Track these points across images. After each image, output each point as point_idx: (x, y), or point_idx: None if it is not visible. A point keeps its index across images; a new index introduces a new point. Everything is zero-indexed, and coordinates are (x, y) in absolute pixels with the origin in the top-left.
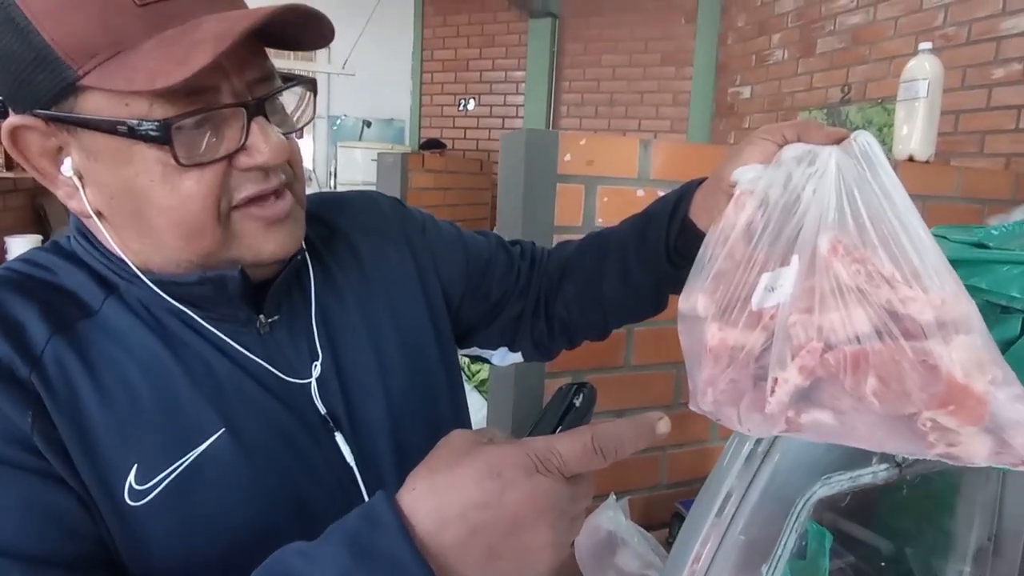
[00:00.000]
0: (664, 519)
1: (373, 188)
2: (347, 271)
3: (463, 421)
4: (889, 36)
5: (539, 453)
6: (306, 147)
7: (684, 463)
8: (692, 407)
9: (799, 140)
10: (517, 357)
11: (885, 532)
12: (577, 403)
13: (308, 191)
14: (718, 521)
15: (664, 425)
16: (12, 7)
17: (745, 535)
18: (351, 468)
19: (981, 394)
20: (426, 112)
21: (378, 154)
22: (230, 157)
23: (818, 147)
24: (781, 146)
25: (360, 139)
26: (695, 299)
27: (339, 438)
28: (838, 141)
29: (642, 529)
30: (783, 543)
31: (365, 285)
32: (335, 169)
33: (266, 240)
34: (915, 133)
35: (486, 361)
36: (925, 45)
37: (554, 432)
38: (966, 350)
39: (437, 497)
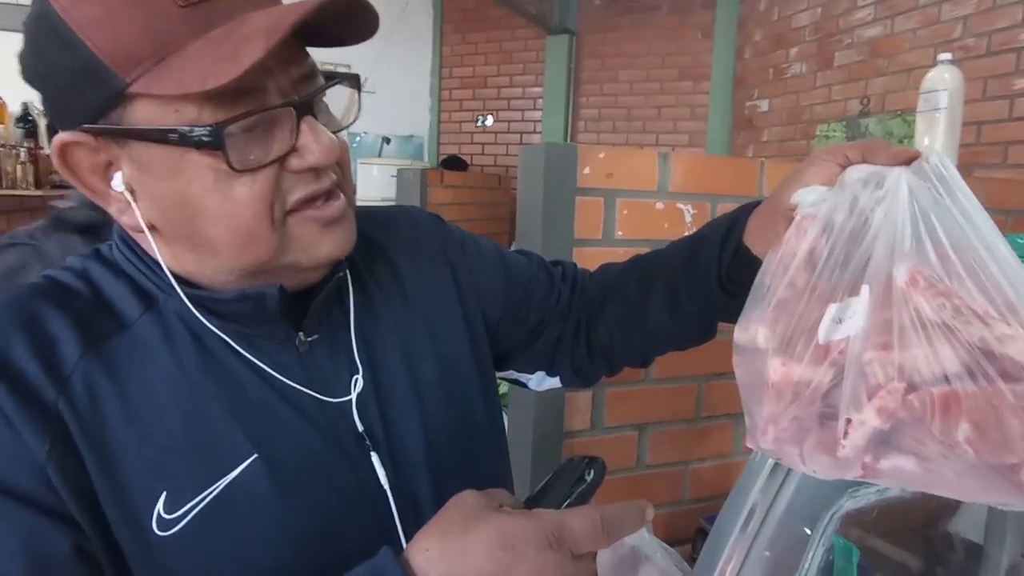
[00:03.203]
0: (688, 534)
1: (393, 204)
2: (385, 289)
3: (499, 443)
4: (907, 48)
5: (552, 529)
6: None
7: (707, 477)
8: (750, 444)
9: (864, 161)
10: (555, 382)
11: (914, 548)
12: (589, 478)
13: None
14: (742, 537)
15: (650, 513)
16: (56, 19)
17: (770, 551)
18: (385, 491)
19: None
20: (445, 128)
21: (398, 170)
22: (281, 159)
23: (885, 168)
24: (844, 167)
25: (380, 156)
26: (754, 331)
27: (375, 458)
28: (907, 162)
29: (665, 544)
30: (809, 559)
31: (403, 304)
32: (355, 185)
33: (323, 242)
34: (936, 144)
35: (523, 385)
36: (944, 56)
37: (563, 502)
38: None
39: (449, 562)
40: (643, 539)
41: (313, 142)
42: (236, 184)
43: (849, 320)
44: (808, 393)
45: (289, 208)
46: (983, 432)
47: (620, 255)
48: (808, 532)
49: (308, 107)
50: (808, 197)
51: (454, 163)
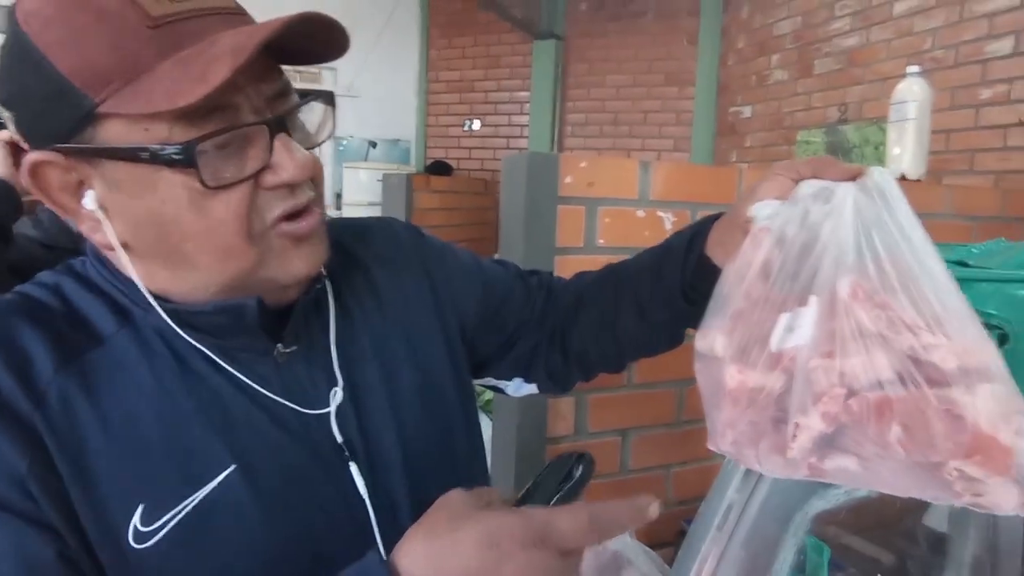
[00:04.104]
0: (669, 537)
1: (379, 209)
2: (362, 301)
3: (479, 454)
4: (882, 58)
5: (538, 527)
6: None
7: (689, 481)
8: (711, 447)
9: (815, 176)
10: (532, 388)
11: (886, 544)
12: (577, 474)
13: None
14: (719, 536)
15: (654, 509)
16: (26, 42)
17: (745, 550)
18: (364, 501)
19: (1007, 445)
20: (431, 132)
21: (384, 175)
22: (256, 176)
23: (834, 183)
24: (797, 182)
25: (366, 160)
26: (712, 338)
27: (353, 469)
28: (854, 177)
29: (647, 548)
30: (782, 558)
31: (380, 316)
32: (341, 190)
33: (296, 257)
34: (906, 153)
35: (500, 391)
36: (913, 68)
37: (551, 499)
38: (991, 399)
39: (434, 563)
40: (625, 543)
41: (287, 159)
42: (212, 201)
43: (799, 329)
44: (762, 398)
45: (269, 224)
46: (912, 434)
47: (602, 263)
48: (783, 531)
49: (281, 124)
50: (763, 210)
51: (439, 168)
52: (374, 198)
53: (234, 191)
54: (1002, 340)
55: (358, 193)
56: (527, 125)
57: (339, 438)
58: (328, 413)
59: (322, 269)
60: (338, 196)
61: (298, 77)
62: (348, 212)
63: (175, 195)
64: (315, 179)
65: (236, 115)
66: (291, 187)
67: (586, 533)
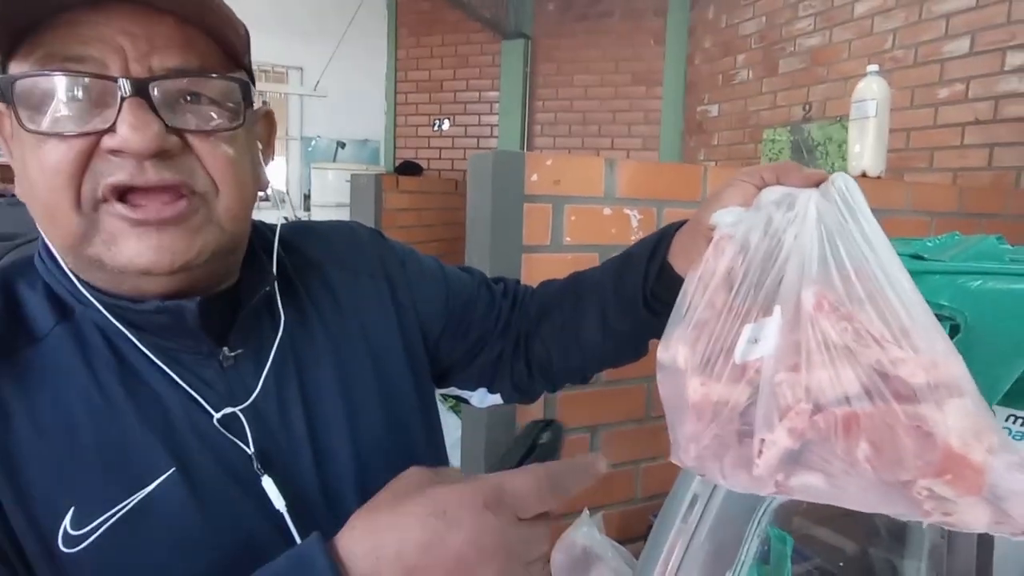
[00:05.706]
0: (640, 532)
1: (347, 210)
2: (320, 304)
3: (439, 458)
4: (844, 58)
5: (488, 491)
6: (279, 168)
7: (659, 476)
8: (673, 460)
9: (778, 182)
10: (496, 399)
11: (849, 533)
12: (543, 440)
13: (282, 214)
14: (684, 527)
15: (603, 464)
16: None
17: (711, 541)
18: (281, 513)
19: (979, 464)
20: (400, 132)
21: (352, 175)
22: (99, 136)
23: (796, 190)
24: (760, 188)
25: (334, 160)
26: (675, 350)
27: (268, 482)
28: (817, 184)
29: (616, 543)
30: (745, 549)
31: (339, 320)
32: (309, 191)
33: (128, 243)
34: (867, 151)
35: (465, 401)
36: (873, 68)
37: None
38: (961, 416)
39: (375, 537)
40: (595, 539)
41: (125, 124)
42: (46, 150)
43: (763, 341)
44: (727, 412)
45: (101, 195)
46: (880, 451)
47: (568, 260)
48: (747, 522)
49: (141, 90)
50: (726, 218)
51: (409, 168)
52: (343, 199)
53: (68, 143)
54: (954, 331)
55: (326, 194)
56: (497, 125)
57: (249, 450)
58: (244, 419)
59: (272, 271)
60: (306, 197)
61: (263, 77)
62: (316, 213)
63: (25, 140)
64: (217, 177)
65: (97, 68)
66: (139, 161)
67: (543, 493)
